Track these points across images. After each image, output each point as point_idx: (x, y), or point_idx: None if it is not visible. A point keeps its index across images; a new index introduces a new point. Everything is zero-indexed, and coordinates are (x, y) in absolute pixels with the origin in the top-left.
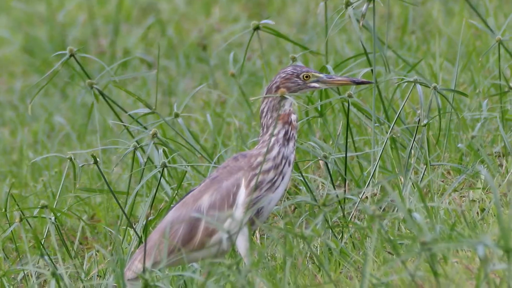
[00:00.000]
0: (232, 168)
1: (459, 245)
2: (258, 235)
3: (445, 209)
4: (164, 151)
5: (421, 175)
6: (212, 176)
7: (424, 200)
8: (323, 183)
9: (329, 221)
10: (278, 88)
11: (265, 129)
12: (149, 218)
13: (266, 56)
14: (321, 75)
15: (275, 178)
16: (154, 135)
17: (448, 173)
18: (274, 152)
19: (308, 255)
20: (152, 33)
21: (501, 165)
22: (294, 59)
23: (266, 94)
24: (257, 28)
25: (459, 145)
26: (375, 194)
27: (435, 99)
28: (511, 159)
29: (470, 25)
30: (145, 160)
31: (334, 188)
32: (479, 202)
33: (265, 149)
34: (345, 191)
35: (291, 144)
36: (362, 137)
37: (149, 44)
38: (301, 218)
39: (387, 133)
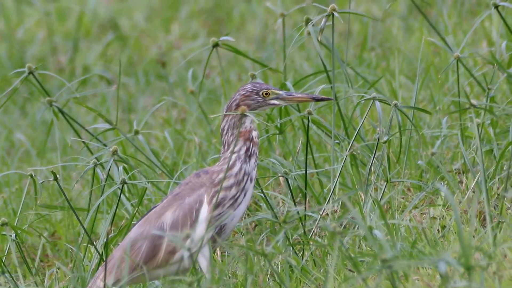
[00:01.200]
0: (194, 184)
1: (420, 262)
2: (219, 252)
3: (406, 226)
4: (124, 167)
5: (382, 192)
6: (174, 192)
7: (384, 217)
8: (283, 200)
9: (290, 238)
10: (238, 105)
11: (226, 147)
12: (110, 235)
13: (226, 73)
14: (280, 92)
15: (237, 194)
16: (115, 152)
17: (409, 190)
18: (236, 169)
19: (269, 272)
20: (111, 50)
21: (461, 182)
22: (253, 77)
23: (226, 111)
24: (216, 45)
25: (419, 162)
26: (336, 211)
27: (396, 116)
28: (471, 176)
29: (429, 42)
30: (105, 176)
31: (295, 205)
32: (439, 219)
33: (225, 166)
34: (305, 208)
35: (253, 160)
36: (322, 154)
37: (108, 61)
38: (262, 235)
39: (347, 150)
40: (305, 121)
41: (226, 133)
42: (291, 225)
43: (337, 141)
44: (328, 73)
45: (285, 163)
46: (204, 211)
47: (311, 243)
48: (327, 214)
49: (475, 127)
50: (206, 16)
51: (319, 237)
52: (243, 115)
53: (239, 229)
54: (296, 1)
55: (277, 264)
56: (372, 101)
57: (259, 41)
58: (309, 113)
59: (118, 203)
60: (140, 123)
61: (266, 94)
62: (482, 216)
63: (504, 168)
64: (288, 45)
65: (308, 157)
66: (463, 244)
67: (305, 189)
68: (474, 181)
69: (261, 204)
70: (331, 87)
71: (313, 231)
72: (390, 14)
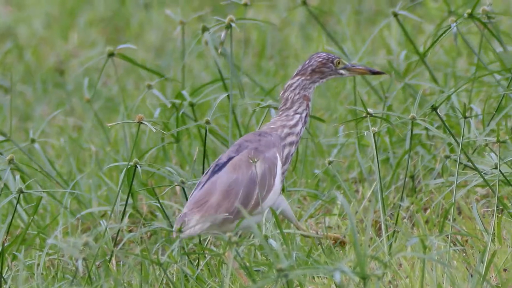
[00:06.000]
0: (267, 141)
1: (315, 271)
2: (114, 262)
3: (301, 235)
4: (21, 177)
5: None
6: (249, 146)
7: (280, 226)
8: (179, 209)
9: (186, 247)
10: (313, 71)
11: (288, 103)
12: (5, 244)
13: (123, 82)
14: (346, 63)
15: (293, 153)
16: (11, 161)
17: (305, 199)
18: (298, 128)
19: (164, 281)
20: (10, 58)
21: (357, 191)
22: (149, 87)
23: (300, 73)
24: (111, 54)
25: (316, 170)
26: None
27: None
28: (367, 184)
29: (327, 51)
30: (1, 186)
31: None
32: (335, 228)
33: (289, 122)
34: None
35: (304, 127)
36: None
37: (6, 69)
38: (157, 245)
39: None
40: (202, 129)
41: (294, 89)
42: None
43: None
44: (224, 81)
45: (181, 172)
46: (279, 167)
47: (207, 252)
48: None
49: (371, 136)
50: (105, 24)
51: (214, 246)
52: (313, 81)
53: (135, 238)
54: (196, 10)
55: (173, 274)
56: (267, 108)
57: (158, 49)
58: (207, 122)
59: (14, 212)
60: (37, 131)
61: (338, 63)
62: (378, 225)
63: (401, 177)
64: (186, 53)
65: (205, 165)
66: (358, 253)
67: None
68: (370, 190)
69: (157, 213)
70: (228, 95)
71: (209, 240)
72: (288, 23)
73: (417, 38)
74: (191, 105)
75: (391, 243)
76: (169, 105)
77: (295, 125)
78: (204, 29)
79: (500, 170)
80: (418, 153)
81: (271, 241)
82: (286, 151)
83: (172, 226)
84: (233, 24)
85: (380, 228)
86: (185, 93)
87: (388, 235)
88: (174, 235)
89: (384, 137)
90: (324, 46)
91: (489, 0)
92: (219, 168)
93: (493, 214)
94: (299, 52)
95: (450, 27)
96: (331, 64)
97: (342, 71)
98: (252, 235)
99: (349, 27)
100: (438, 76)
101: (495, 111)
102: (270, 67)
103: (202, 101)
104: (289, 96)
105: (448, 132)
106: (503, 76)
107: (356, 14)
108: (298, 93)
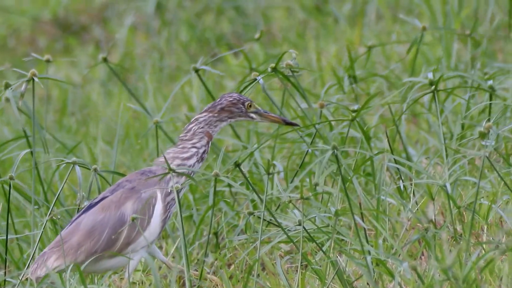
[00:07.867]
0: (148, 181)
1: None
2: None
3: None
4: None
5: None
6: (126, 186)
7: (84, 282)
8: None
9: None
10: (222, 109)
11: (189, 135)
12: None
13: None
14: (259, 108)
15: (183, 191)
16: None
17: None
18: (191, 162)
19: None
20: None
21: (161, 247)
22: None
23: (208, 109)
24: None
25: None
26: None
27: (95, 180)
28: (171, 241)
29: (129, 108)
30: None
31: None
32: (139, 284)
33: (183, 154)
34: (5, 273)
35: (200, 164)
36: (22, 219)
37: None
38: None
39: (46, 215)
40: (6, 186)
41: (200, 123)
42: None
43: (37, 206)
44: (28, 138)
45: None
46: (159, 208)
47: None
48: (27, 279)
49: (175, 192)
50: None
51: None
52: (220, 121)
53: None
54: None
55: None
56: (72, 165)
57: None
58: (11, 177)
59: None
60: None
61: (249, 106)
62: (182, 281)
63: (204, 234)
64: None
65: (9, 222)
66: None
67: (6, 254)
68: (174, 246)
69: None
70: (31, 152)
71: None
72: (90, 80)
73: (218, 94)
74: None
75: None
76: None
77: (189, 158)
78: (7, 86)
79: (303, 227)
80: (221, 209)
81: None
82: (177, 180)
83: None
84: (36, 79)
85: (184, 284)
86: None
87: None
88: (30, 275)
89: (187, 194)
90: (126, 102)
91: (294, 54)
92: (89, 207)
93: (297, 270)
94: (101, 109)
95: (254, 81)
96: (241, 106)
97: (252, 115)
98: None
99: (151, 83)
100: (240, 132)
101: (299, 168)
102: (71, 124)
103: (5, 158)
104: (193, 128)
105: (251, 188)
106: (305, 132)
107: (157, 71)
108: (202, 127)
